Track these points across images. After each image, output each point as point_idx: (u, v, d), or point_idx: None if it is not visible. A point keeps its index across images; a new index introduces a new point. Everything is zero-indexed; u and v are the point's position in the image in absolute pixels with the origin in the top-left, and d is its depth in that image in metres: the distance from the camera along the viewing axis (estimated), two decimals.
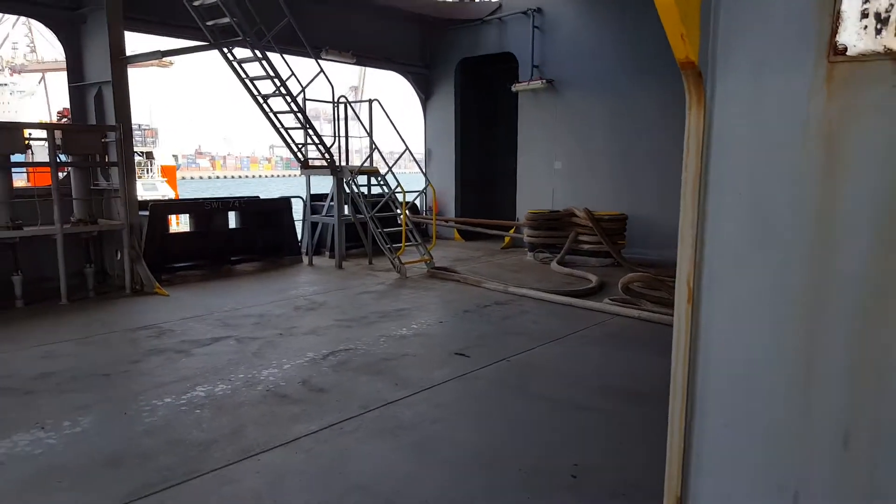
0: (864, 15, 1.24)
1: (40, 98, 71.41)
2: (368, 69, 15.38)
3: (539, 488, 3.77)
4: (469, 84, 15.48)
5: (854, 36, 1.26)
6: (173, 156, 78.43)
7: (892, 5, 1.21)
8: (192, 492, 3.66)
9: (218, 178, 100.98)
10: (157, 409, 4.87)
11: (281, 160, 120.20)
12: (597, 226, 11.44)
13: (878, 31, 1.23)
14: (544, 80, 13.25)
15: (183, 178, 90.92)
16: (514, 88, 13.76)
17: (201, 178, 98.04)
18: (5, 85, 66.73)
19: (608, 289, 9.32)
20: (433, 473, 3.95)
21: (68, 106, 9.59)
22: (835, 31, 1.28)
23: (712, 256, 1.49)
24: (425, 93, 15.55)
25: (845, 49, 1.27)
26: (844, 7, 1.26)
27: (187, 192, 55.88)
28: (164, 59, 9.43)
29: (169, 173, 45.17)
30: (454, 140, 15.28)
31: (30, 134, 8.60)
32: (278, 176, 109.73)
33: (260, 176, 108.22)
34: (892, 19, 1.21)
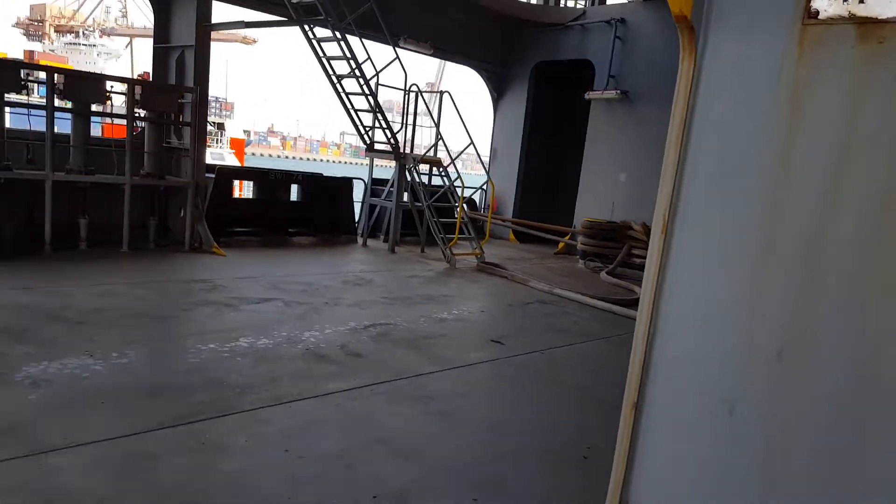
0: None
1: (125, 61, 74.90)
2: (447, 66, 15.51)
3: (550, 461, 3.88)
4: (543, 87, 15.43)
5: (825, 2, 1.44)
6: (244, 130, 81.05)
7: None
8: (225, 426, 3.82)
9: (287, 157, 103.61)
10: (200, 352, 5.09)
11: (350, 147, 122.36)
12: None
13: None
14: (619, 91, 13.11)
15: (253, 153, 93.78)
16: (587, 96, 13.66)
17: (270, 155, 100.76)
18: (94, 46, 70.46)
19: None
20: (451, 437, 4.05)
21: (149, 70, 10.06)
22: None
23: (687, 191, 1.66)
24: (498, 92, 15.60)
25: (818, 13, 1.45)
26: None
27: (255, 166, 57.74)
28: (246, 36, 9.81)
29: (237, 146, 46.71)
30: (521, 141, 15.27)
31: (111, 87, 9.06)
32: (345, 163, 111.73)
33: (327, 160, 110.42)
34: None
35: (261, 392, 4.40)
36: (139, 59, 73.86)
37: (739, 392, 1.56)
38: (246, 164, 45.52)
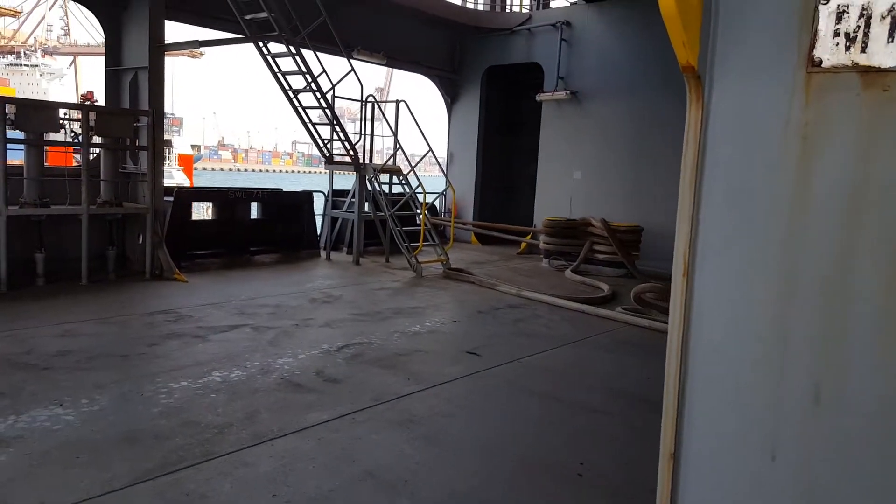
0: (836, 34, 1.47)
1: (70, 80, 72.49)
2: (395, 72, 15.50)
3: (545, 482, 3.86)
4: (494, 91, 15.59)
5: (828, 51, 1.49)
6: (193, 146, 79.33)
7: (858, 27, 1.44)
8: (208, 473, 3.76)
9: (239, 170, 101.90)
10: (173, 391, 4.98)
11: (302, 156, 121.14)
12: (612, 236, 11.46)
13: (847, 48, 1.46)
14: (568, 92, 13.34)
15: (204, 168, 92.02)
16: (538, 98, 13.87)
17: (222, 169, 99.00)
18: (36, 66, 67.97)
19: (620, 298, 9.36)
20: (440, 464, 4.05)
21: (94, 89, 9.79)
22: (812, 46, 1.51)
23: (705, 234, 1.71)
24: (451, 97, 15.66)
25: (821, 62, 1.50)
26: (821, 27, 1.50)
27: (208, 182, 56.46)
28: (193, 49, 9.59)
29: (185, 162, 45.77)
30: (476, 145, 15.40)
31: (65, 114, 8.79)
32: (299, 172, 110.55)
33: (281, 171, 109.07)
34: (858, 38, 1.44)
35: (240, 431, 4.34)
36: (84, 77, 71.49)
37: (780, 438, 1.58)
38: (196, 183, 44.63)
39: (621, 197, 12.80)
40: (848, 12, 1.45)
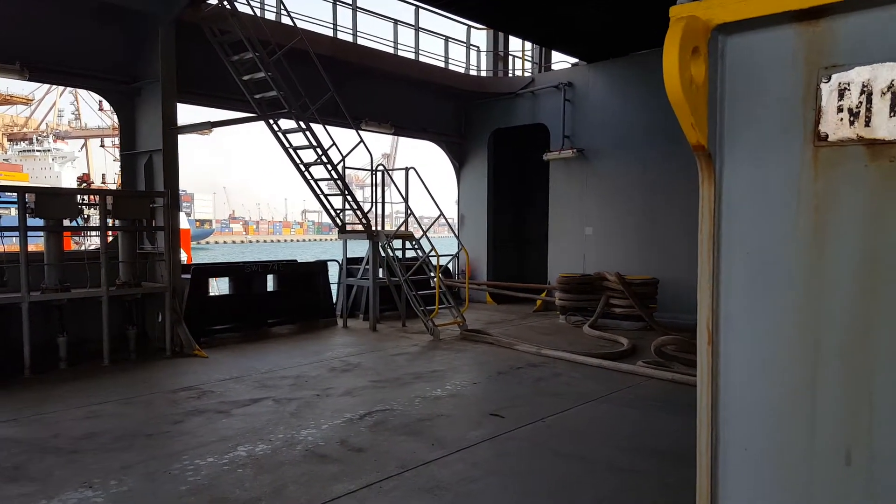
0: (840, 110, 1.56)
1: (81, 163, 74.63)
2: (401, 138, 16.00)
3: None
4: (502, 153, 15.96)
5: (833, 126, 1.57)
6: (195, 220, 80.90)
7: (860, 102, 1.53)
8: None
9: (251, 242, 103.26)
10: (200, 468, 4.97)
11: (312, 225, 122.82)
12: (628, 289, 11.46)
13: (851, 123, 1.54)
14: (575, 150, 13.64)
15: (216, 242, 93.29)
16: (545, 157, 14.18)
17: (234, 242, 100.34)
18: (48, 151, 70.37)
19: (640, 352, 9.29)
20: None
21: (104, 170, 10.11)
22: (818, 122, 1.60)
23: (727, 304, 1.76)
24: (459, 161, 16.04)
25: (826, 136, 1.59)
26: (824, 103, 1.58)
27: (220, 256, 57.07)
28: (204, 129, 9.97)
29: (184, 238, 46.27)
30: (486, 206, 15.65)
31: (82, 199, 9.07)
32: (310, 240, 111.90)
33: (292, 240, 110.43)
34: (861, 113, 1.53)
35: None
36: (95, 158, 73.75)
37: (814, 499, 1.61)
38: (202, 258, 45.14)
39: (634, 250, 12.88)
40: (849, 89, 1.53)
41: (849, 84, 1.53)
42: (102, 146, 70.09)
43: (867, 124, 1.51)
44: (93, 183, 53.88)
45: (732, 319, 1.74)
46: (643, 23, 11.54)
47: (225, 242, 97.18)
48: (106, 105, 65.57)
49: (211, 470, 4.92)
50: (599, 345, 10.07)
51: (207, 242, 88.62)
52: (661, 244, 12.55)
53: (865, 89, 1.51)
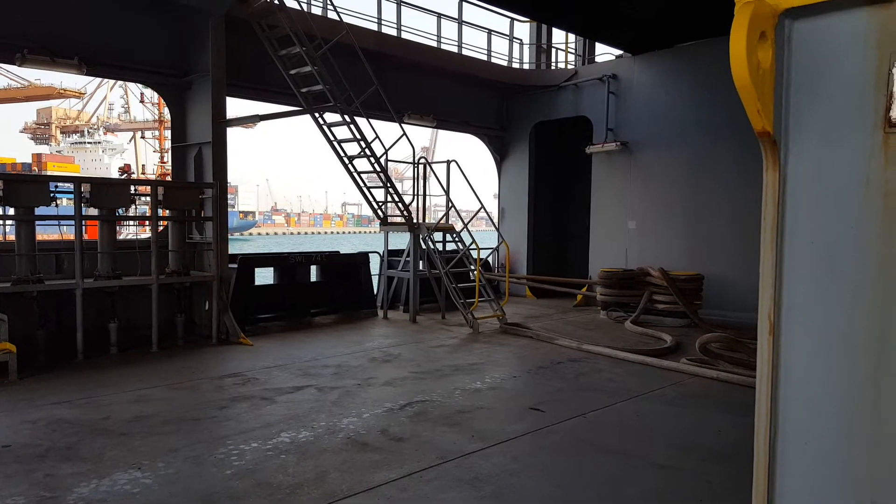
0: None
1: (130, 155, 76.96)
2: (440, 131, 16.00)
3: None
4: (544, 146, 15.81)
5: None
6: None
7: None
8: None
9: (292, 233, 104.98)
10: (244, 453, 5.08)
11: (352, 217, 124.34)
12: (672, 285, 11.25)
13: None
14: (618, 143, 13.43)
15: (259, 233, 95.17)
16: (588, 151, 14.00)
17: (276, 234, 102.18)
18: (99, 143, 72.80)
19: (684, 349, 9.12)
20: None
21: (146, 162, 10.38)
22: (888, 108, 1.54)
23: (789, 295, 1.71)
24: (500, 154, 15.96)
25: None
26: None
27: (263, 248, 58.22)
28: (253, 122, 10.14)
29: None
30: (528, 199, 15.54)
31: (135, 189, 9.36)
32: (350, 232, 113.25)
33: (331, 232, 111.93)
34: None
35: (311, 491, 4.38)
36: (143, 152, 76.00)
37: (878, 492, 1.57)
38: (242, 249, 45.97)
39: (678, 245, 12.62)
40: None
41: None
42: (143, 138, 72.15)
43: None
44: (133, 174, 55.48)
45: (795, 310, 1.70)
46: (690, 13, 11.27)
47: (267, 234, 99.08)
48: (146, 97, 67.64)
49: (255, 455, 5.03)
50: (642, 341, 9.92)
51: (250, 233, 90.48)
52: (706, 239, 12.27)
53: None
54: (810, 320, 1.67)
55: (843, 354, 1.61)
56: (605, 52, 15.46)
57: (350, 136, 10.25)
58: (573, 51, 16.39)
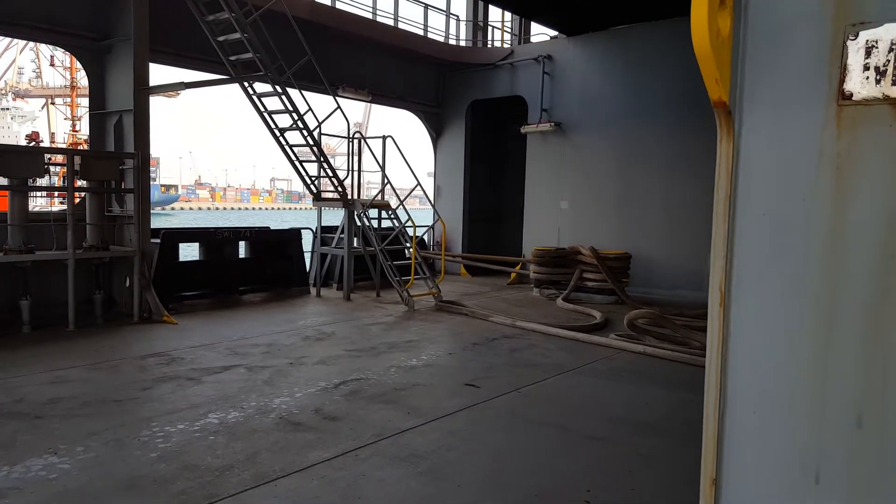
0: (866, 68, 1.51)
1: (42, 123, 71.86)
2: (373, 106, 15.72)
3: None
4: (479, 124, 15.82)
5: (858, 84, 1.53)
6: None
7: (888, 61, 1.49)
8: None
9: (217, 209, 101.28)
10: (170, 435, 4.87)
11: (282, 193, 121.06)
12: (602, 264, 11.54)
13: (878, 81, 1.50)
14: (553, 123, 13.58)
15: (182, 208, 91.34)
16: (523, 130, 14.10)
17: (200, 209, 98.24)
18: (6, 109, 67.59)
19: (613, 324, 9.40)
20: (449, 498, 3.98)
21: (59, 131, 9.74)
22: (842, 80, 1.55)
23: (740, 266, 1.73)
24: (436, 131, 15.85)
25: (851, 95, 1.54)
26: (850, 61, 1.54)
27: (185, 223, 55.91)
28: (177, 90, 9.63)
29: None
30: (463, 177, 15.55)
31: (48, 158, 8.73)
32: (278, 209, 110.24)
33: (260, 208, 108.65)
34: (888, 72, 1.48)
35: (241, 473, 4.24)
36: (55, 120, 71.18)
37: (823, 461, 1.61)
38: (165, 224, 44.21)
39: (608, 225, 12.96)
40: (877, 47, 1.49)
41: (877, 42, 1.49)
42: (53, 104, 67.42)
43: (894, 83, 1.47)
44: (42, 142, 51.91)
45: (746, 282, 1.71)
46: None
47: (191, 209, 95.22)
48: (57, 60, 63.11)
49: (182, 437, 4.82)
50: (573, 317, 10.15)
51: (173, 208, 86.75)
52: (635, 219, 12.66)
53: (894, 47, 1.47)
54: (760, 291, 1.69)
55: (793, 326, 1.64)
56: (540, 33, 15.58)
57: (281, 107, 9.90)
58: (509, 30, 16.40)
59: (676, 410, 5.85)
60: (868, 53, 1.50)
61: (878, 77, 1.49)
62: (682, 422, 5.53)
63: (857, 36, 1.52)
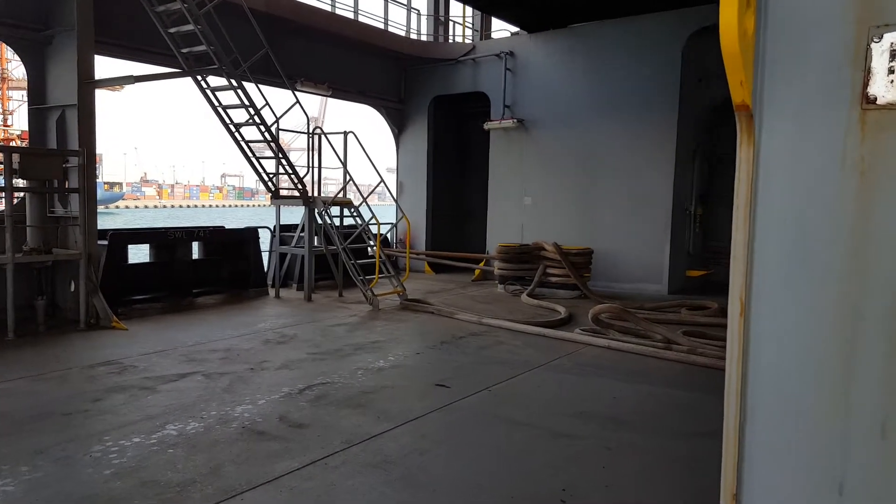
0: (891, 71, 1.46)
1: None
2: (329, 102, 15.43)
3: None
4: (442, 120, 15.67)
5: (882, 88, 1.47)
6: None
7: None
8: None
9: (165, 206, 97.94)
10: (125, 449, 4.56)
11: (233, 189, 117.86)
12: (565, 259, 11.55)
13: None
14: (515, 120, 13.53)
15: (127, 206, 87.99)
16: (486, 127, 14.03)
17: (146, 207, 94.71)
18: None
19: (577, 319, 9.40)
20: None
21: None
22: (866, 84, 1.50)
23: (760, 274, 1.66)
24: (398, 127, 15.62)
25: (875, 99, 1.49)
26: (874, 64, 1.48)
27: (131, 223, 54.03)
28: (126, 84, 9.15)
29: None
30: (426, 174, 15.38)
31: None
32: (230, 206, 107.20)
33: (210, 206, 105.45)
34: None
35: (205, 487, 3.98)
36: None
37: (847, 473, 1.54)
38: (112, 224, 42.66)
39: (571, 220, 12.99)
40: None
41: None
42: None
43: None
44: None
45: (768, 291, 1.63)
46: None
47: (136, 207, 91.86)
48: None
49: (138, 451, 4.52)
50: (538, 313, 10.11)
51: (117, 206, 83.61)
52: (596, 215, 12.74)
53: None
54: (782, 302, 1.62)
55: (816, 335, 1.57)
56: (501, 29, 15.49)
57: (237, 102, 9.53)
58: (470, 25, 16.28)
59: (642, 403, 5.85)
60: (893, 56, 1.44)
61: None
62: (650, 415, 5.54)
63: (881, 38, 1.45)
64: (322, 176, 11.56)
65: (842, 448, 1.53)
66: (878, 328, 1.48)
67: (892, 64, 1.45)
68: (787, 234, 1.60)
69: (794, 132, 1.58)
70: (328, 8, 13.04)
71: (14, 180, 8.16)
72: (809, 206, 1.57)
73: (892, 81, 1.45)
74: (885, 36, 1.44)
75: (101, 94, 8.68)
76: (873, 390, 1.49)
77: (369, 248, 11.30)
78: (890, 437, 1.47)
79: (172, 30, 8.97)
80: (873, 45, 1.46)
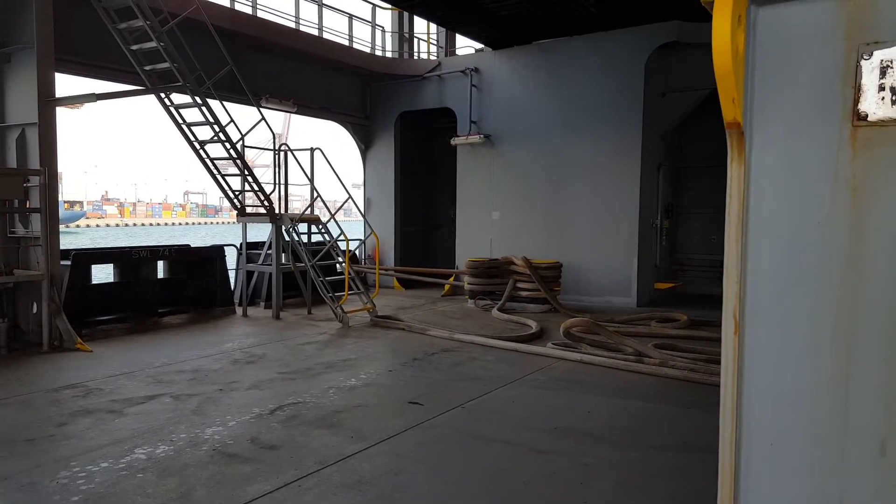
0: (882, 88, 1.48)
1: None
2: (293, 118, 15.34)
3: None
4: (409, 136, 15.73)
5: (873, 105, 1.50)
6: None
7: None
8: None
9: (127, 225, 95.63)
10: (93, 475, 4.46)
11: (196, 207, 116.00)
12: (534, 273, 11.67)
13: (894, 102, 1.47)
14: (482, 135, 13.67)
15: (88, 225, 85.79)
16: (452, 142, 14.13)
17: (108, 225, 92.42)
18: None
19: (549, 333, 9.48)
20: None
21: None
22: (857, 101, 1.52)
23: (754, 291, 1.65)
24: (365, 143, 15.63)
25: (866, 116, 1.51)
26: (864, 81, 1.50)
27: (92, 242, 52.66)
28: (88, 101, 8.99)
29: None
30: (394, 190, 15.38)
31: None
32: (194, 223, 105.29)
33: (173, 223, 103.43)
34: None
35: None
36: None
37: (846, 491, 1.55)
38: (73, 244, 41.45)
39: (539, 235, 13.14)
40: (892, 67, 1.45)
41: (892, 62, 1.46)
42: None
43: None
44: None
45: (761, 308, 1.64)
46: (547, 11, 11.71)
47: (98, 226, 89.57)
48: None
49: (106, 476, 4.43)
50: (509, 328, 10.17)
51: (78, 226, 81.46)
52: (564, 229, 12.90)
53: None
54: (776, 318, 1.62)
55: (811, 354, 1.58)
56: (466, 45, 15.66)
57: (202, 119, 9.45)
58: (435, 42, 16.43)
59: (616, 417, 5.90)
60: (883, 73, 1.47)
61: (893, 98, 1.46)
62: (625, 429, 5.58)
63: (871, 55, 1.48)
64: (289, 192, 11.48)
65: (840, 467, 1.54)
66: (875, 344, 1.50)
67: (882, 81, 1.47)
68: (780, 250, 1.61)
69: (786, 149, 1.60)
70: (293, 25, 13.04)
71: None
72: (802, 222, 1.58)
73: (882, 98, 1.48)
74: (875, 53, 1.47)
75: (59, 112, 8.51)
76: (872, 407, 1.50)
77: (338, 265, 11.25)
78: (889, 454, 1.49)
79: (135, 47, 8.88)
80: (863, 63, 1.49)
